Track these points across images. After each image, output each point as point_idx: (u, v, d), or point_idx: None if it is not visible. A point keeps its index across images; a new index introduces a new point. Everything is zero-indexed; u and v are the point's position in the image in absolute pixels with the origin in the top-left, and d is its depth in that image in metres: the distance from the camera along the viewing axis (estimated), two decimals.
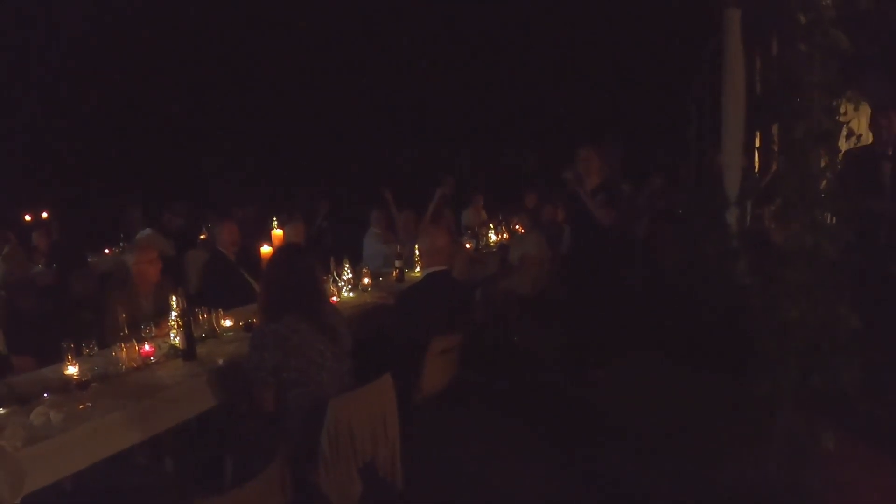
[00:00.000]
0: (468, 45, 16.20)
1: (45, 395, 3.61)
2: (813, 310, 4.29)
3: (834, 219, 4.32)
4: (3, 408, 3.42)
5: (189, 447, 4.59)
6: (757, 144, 10.35)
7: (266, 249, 5.10)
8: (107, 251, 10.53)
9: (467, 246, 8.70)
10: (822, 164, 4.19)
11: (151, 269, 5.17)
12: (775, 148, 5.16)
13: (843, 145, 4.38)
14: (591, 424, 5.44)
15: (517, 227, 9.65)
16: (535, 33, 15.55)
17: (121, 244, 10.31)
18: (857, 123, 4.50)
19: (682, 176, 9.83)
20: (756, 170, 9.94)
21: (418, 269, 6.88)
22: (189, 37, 15.94)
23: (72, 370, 3.77)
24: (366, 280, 6.40)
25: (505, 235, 9.63)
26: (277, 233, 5.73)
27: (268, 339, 3.64)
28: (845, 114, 4.23)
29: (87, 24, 15.08)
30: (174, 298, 4.32)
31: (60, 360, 3.90)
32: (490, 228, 9.61)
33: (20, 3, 14.05)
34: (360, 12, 15.92)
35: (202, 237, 9.99)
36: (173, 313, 4.33)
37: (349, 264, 6.21)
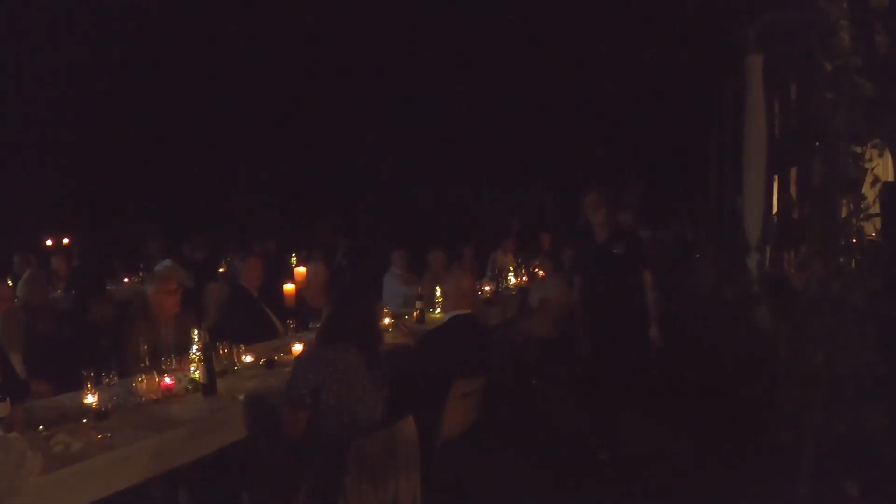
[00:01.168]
0: (496, 88, 16.36)
1: (64, 422, 3.60)
2: (838, 356, 4.25)
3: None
4: (22, 434, 3.40)
5: (205, 481, 4.55)
6: (775, 188, 10.34)
7: (289, 287, 5.11)
8: (126, 280, 10.60)
9: (486, 288, 8.68)
10: (844, 212, 4.18)
11: (170, 300, 5.16)
12: (793, 193, 5.16)
13: (868, 191, 4.37)
14: (610, 468, 5.36)
15: (537, 270, 9.61)
16: (559, 77, 15.68)
17: (140, 274, 10.38)
18: (884, 169, 4.49)
19: (702, 219, 9.82)
20: (774, 213, 9.93)
21: (438, 310, 6.86)
22: (217, 74, 16.19)
23: (91, 399, 3.76)
24: (386, 320, 6.38)
25: (524, 278, 9.59)
26: (300, 270, 5.73)
27: (317, 359, 3.69)
28: (870, 160, 4.22)
29: (119, 55, 15.35)
30: (196, 332, 4.32)
31: (78, 386, 3.89)
32: (510, 271, 9.58)
33: (51, 29, 14.32)
34: (384, 53, 16.13)
35: (221, 270, 10.03)
36: (194, 347, 4.33)
37: None
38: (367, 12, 15.16)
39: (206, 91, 16.51)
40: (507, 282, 9.28)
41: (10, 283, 8.18)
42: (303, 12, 15.22)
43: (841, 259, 4.24)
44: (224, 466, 4.44)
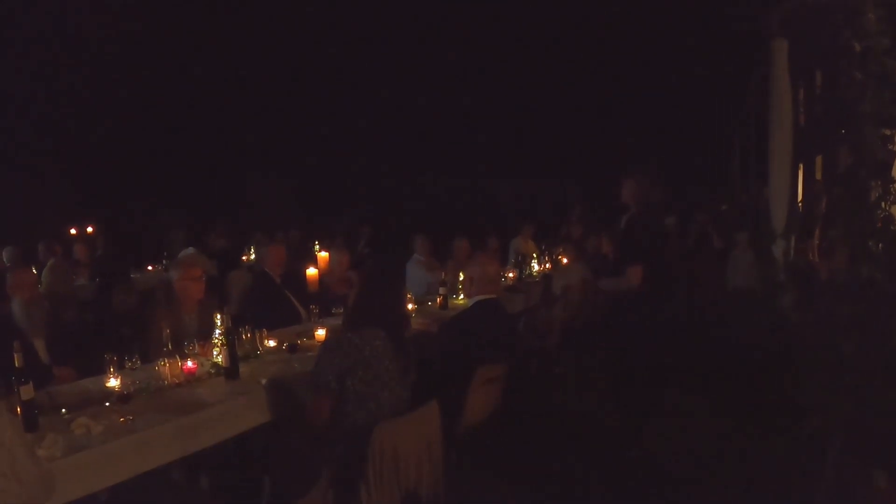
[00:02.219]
0: (517, 80, 16.32)
1: (87, 406, 3.62)
2: (867, 343, 4.18)
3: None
4: (45, 417, 3.42)
5: (226, 466, 4.56)
6: (800, 177, 10.20)
7: (312, 272, 5.10)
8: (149, 268, 10.66)
9: (510, 275, 8.64)
10: (874, 196, 4.09)
11: (194, 286, 5.17)
12: (819, 179, 5.07)
13: None
14: (631, 455, 5.32)
15: (561, 257, 9.56)
16: (583, 67, 15.59)
17: (164, 262, 10.44)
18: None
19: (726, 208, 9.70)
20: (799, 202, 9.80)
21: (462, 296, 6.83)
22: (238, 64, 16.27)
23: (114, 383, 3.79)
24: (409, 307, 6.37)
25: (548, 265, 9.54)
26: (323, 255, 5.73)
27: (343, 345, 3.69)
28: None
29: (142, 53, 15.46)
30: (219, 317, 4.33)
31: (101, 372, 3.92)
32: (534, 258, 9.54)
33: (78, 26, 14.43)
34: (411, 43, 16.12)
35: (244, 258, 10.06)
36: (217, 331, 4.33)
37: None
38: (391, 5, 15.17)
39: (231, 83, 16.63)
40: (530, 269, 9.24)
41: (34, 270, 8.28)
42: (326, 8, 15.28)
43: (870, 243, 4.16)
44: (246, 451, 4.45)
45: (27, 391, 3.37)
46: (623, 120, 15.99)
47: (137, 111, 16.40)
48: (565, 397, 6.63)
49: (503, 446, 5.10)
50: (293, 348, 4.80)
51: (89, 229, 13.98)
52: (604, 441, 5.63)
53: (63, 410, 3.56)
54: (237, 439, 4.07)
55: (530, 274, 9.09)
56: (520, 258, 9.36)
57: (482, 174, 17.97)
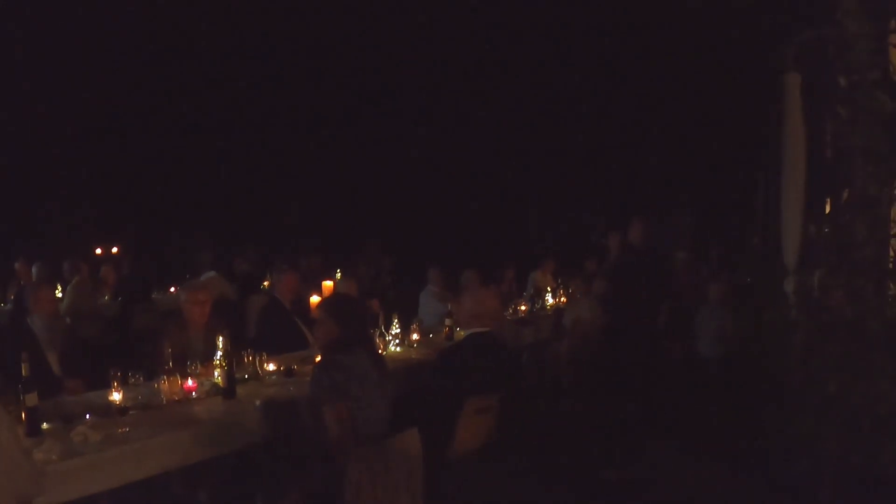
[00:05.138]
0: (541, 110, 16.44)
1: (88, 416, 3.84)
2: (854, 384, 4.18)
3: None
4: (48, 424, 3.65)
5: (224, 482, 4.70)
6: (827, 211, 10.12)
7: (315, 299, 5.26)
8: (171, 290, 10.92)
9: (522, 308, 8.74)
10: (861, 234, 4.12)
11: (197, 309, 5.37)
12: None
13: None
14: (627, 490, 5.36)
15: (575, 291, 9.62)
16: (603, 100, 15.69)
17: None
18: None
19: (750, 244, 9.67)
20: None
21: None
22: (265, 88, 16.59)
23: (115, 396, 3.99)
24: (414, 336, 6.50)
25: (563, 299, 9.59)
26: (328, 284, 5.90)
27: (334, 363, 3.84)
28: None
29: (169, 74, 15.83)
30: (219, 339, 4.52)
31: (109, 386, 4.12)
32: (548, 291, 9.61)
33: (109, 41, 14.81)
34: (424, 70, 16.33)
35: (266, 283, 10.27)
36: (218, 353, 4.52)
37: (398, 319, 6.35)
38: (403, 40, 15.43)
39: (259, 107, 16.90)
40: (544, 301, 9.32)
41: (59, 288, 8.57)
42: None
43: (859, 282, 4.18)
44: (244, 468, 4.60)
45: (32, 399, 3.60)
46: (646, 153, 15.95)
47: (170, 137, 16.78)
48: (568, 432, 6.67)
49: (496, 478, 5.16)
50: (290, 372, 4.98)
51: (114, 249, 14.36)
52: (601, 475, 5.68)
53: (65, 419, 3.76)
54: (237, 457, 4.25)
55: (543, 307, 9.17)
56: (533, 291, 9.45)
57: (512, 201, 18.06)
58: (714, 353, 7.54)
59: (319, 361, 4.02)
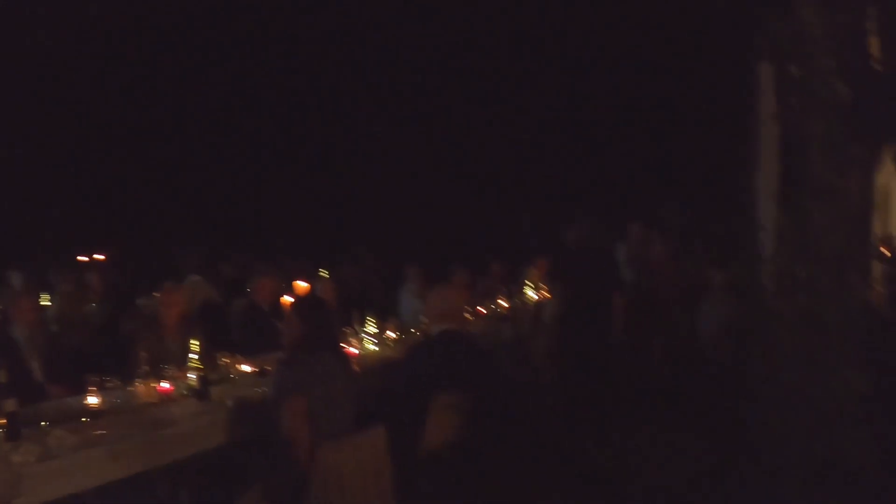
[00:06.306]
0: (534, 112, 16.51)
1: (66, 420, 3.94)
2: (814, 375, 4.21)
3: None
4: (27, 429, 3.73)
5: (206, 483, 4.79)
6: None
7: (287, 299, 5.37)
8: (155, 294, 10.92)
9: (505, 304, 8.81)
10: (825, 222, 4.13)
11: (169, 312, 5.48)
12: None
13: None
14: (601, 486, 5.44)
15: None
16: (592, 100, 15.77)
17: None
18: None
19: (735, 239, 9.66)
20: None
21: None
22: (256, 94, 16.64)
23: (92, 400, 4.11)
24: (391, 334, 6.59)
25: (546, 295, 9.64)
26: (302, 285, 6.02)
27: (297, 362, 3.93)
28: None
29: (156, 81, 15.87)
30: (192, 342, 4.62)
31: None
32: (531, 287, 9.67)
33: (95, 42, 14.81)
34: (423, 78, 16.40)
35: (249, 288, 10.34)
36: (192, 355, 4.61)
37: (374, 318, 6.45)
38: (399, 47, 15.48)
39: (261, 111, 16.95)
40: (525, 297, 9.39)
41: (46, 296, 8.61)
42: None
43: (812, 271, 4.19)
44: (225, 468, 4.69)
45: (10, 404, 3.69)
46: (635, 153, 16.03)
47: (157, 142, 16.82)
48: (546, 428, 6.72)
49: (469, 476, 5.22)
50: (262, 373, 5.11)
51: (101, 256, 14.37)
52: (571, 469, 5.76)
53: (43, 423, 3.85)
54: (218, 457, 4.34)
55: (524, 303, 9.24)
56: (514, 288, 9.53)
57: (509, 201, 18.11)
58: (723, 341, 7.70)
59: (282, 359, 4.09)
